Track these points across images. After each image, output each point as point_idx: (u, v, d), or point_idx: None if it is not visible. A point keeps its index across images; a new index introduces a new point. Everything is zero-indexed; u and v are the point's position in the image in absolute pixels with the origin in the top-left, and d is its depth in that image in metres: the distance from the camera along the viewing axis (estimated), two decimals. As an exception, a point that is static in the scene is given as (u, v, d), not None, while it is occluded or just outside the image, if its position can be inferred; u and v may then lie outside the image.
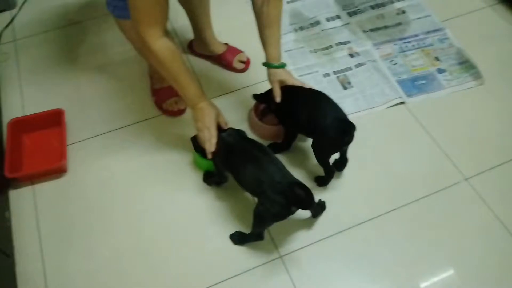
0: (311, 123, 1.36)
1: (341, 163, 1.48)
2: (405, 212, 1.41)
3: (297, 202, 1.20)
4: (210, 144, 1.31)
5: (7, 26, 1.98)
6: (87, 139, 1.62)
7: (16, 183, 1.52)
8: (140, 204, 1.47)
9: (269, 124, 1.57)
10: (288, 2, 2.00)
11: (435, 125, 1.60)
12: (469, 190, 1.45)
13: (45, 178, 1.53)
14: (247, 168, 1.25)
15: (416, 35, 1.86)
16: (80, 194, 1.50)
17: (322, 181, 1.46)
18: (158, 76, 1.68)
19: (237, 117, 1.63)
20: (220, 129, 1.34)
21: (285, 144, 1.54)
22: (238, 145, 1.31)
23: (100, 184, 1.52)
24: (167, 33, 1.24)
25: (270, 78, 1.44)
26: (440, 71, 1.74)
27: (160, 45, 1.20)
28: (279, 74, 1.42)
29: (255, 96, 1.53)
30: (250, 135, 1.59)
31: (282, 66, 1.43)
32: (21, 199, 1.49)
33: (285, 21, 1.92)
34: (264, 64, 1.43)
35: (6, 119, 1.62)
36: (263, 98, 1.53)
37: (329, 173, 1.44)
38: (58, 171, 1.54)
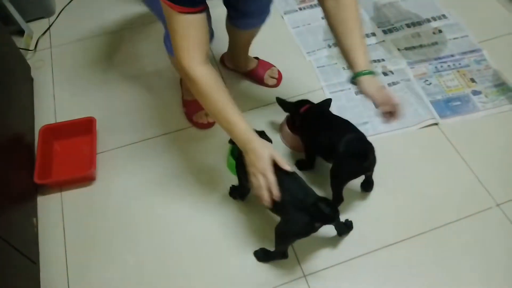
0: (329, 146, 1.33)
1: (367, 184, 1.45)
2: (434, 236, 1.37)
3: (321, 218, 1.17)
4: (267, 193, 1.10)
5: (44, 33, 2.02)
6: (117, 148, 1.64)
7: (45, 189, 1.54)
8: (165, 215, 1.47)
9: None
10: (322, 18, 1.99)
11: (468, 148, 1.56)
12: (501, 216, 1.40)
13: (74, 185, 1.54)
14: None
15: (452, 55, 1.81)
16: (107, 203, 1.51)
17: None
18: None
19: (268, 131, 1.60)
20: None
21: (308, 162, 1.52)
22: None
23: (127, 194, 1.53)
24: (208, 62, 1.12)
25: (365, 90, 1.17)
26: (476, 93, 1.69)
27: (201, 73, 1.09)
28: (376, 81, 1.17)
29: (280, 101, 1.51)
30: (281, 145, 1.60)
31: (372, 73, 1.18)
32: (49, 205, 1.51)
33: (319, 36, 1.91)
34: (354, 77, 1.18)
35: (38, 125, 1.65)
36: (288, 108, 1.52)
37: (337, 201, 1.38)
38: (87, 179, 1.56)
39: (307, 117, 1.45)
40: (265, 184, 1.10)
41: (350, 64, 1.19)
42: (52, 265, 1.38)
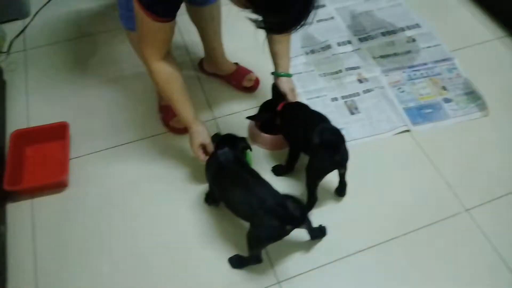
0: (306, 139, 1.34)
1: (341, 188, 1.46)
2: (405, 241, 1.39)
3: (291, 220, 1.18)
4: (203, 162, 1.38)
5: (18, 35, 1.99)
6: (91, 153, 1.62)
7: (15, 196, 1.50)
8: (140, 221, 1.45)
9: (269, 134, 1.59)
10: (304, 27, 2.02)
11: (438, 155, 1.59)
12: (469, 221, 1.44)
13: (46, 192, 1.51)
14: (235, 191, 1.24)
15: (425, 64, 1.85)
16: (80, 209, 1.49)
17: None
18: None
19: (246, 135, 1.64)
20: (216, 146, 1.36)
21: (288, 166, 1.53)
22: (229, 165, 1.29)
23: (100, 200, 1.50)
24: (169, 56, 1.29)
25: (282, 86, 1.48)
26: (447, 100, 1.73)
27: (158, 66, 1.26)
28: (288, 82, 1.49)
29: (252, 117, 1.54)
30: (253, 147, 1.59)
31: (290, 75, 1.50)
32: (18, 213, 1.48)
33: (297, 44, 1.92)
34: (274, 73, 1.49)
35: (10, 130, 1.62)
36: (263, 116, 1.56)
37: (311, 202, 1.41)
38: (59, 186, 1.53)
39: (285, 114, 1.47)
40: (197, 159, 1.39)
41: (275, 65, 1.48)
42: (20, 275, 1.35)
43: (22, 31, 2.01)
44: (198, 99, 1.76)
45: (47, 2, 2.10)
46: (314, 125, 1.36)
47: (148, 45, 1.23)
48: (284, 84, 1.48)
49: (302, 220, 1.21)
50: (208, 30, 1.66)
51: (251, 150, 1.42)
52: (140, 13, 1.15)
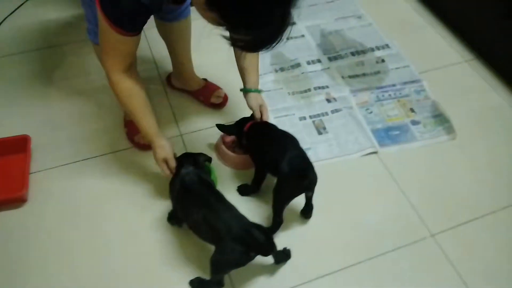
0: (273, 161, 1.34)
1: (307, 210, 1.45)
2: (370, 265, 1.39)
3: (256, 248, 1.17)
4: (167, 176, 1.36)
5: (-18, 43, 1.94)
6: (52, 168, 1.57)
7: (-28, 211, 1.45)
8: (101, 238, 1.41)
9: (238, 153, 1.57)
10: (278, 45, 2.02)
11: (405, 177, 1.60)
12: (435, 246, 1.44)
13: (4, 207, 1.46)
14: (199, 214, 1.22)
15: (393, 85, 1.87)
16: (39, 226, 1.44)
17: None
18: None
19: (212, 153, 1.61)
20: (180, 164, 1.33)
21: (254, 186, 1.51)
22: (193, 187, 1.27)
23: (61, 216, 1.46)
24: (132, 69, 1.27)
25: (250, 103, 1.47)
26: (414, 122, 1.75)
27: (120, 78, 1.24)
28: (260, 98, 1.48)
29: (220, 127, 1.52)
30: (218, 163, 1.59)
31: (260, 91, 1.49)
32: (-26, 228, 1.42)
33: (266, 61, 1.92)
34: (243, 90, 1.48)
35: (-31, 141, 1.57)
36: (231, 130, 1.53)
37: (276, 224, 1.40)
38: (17, 201, 1.48)
39: (252, 135, 1.46)
40: (163, 173, 1.37)
41: (243, 81, 1.47)
42: (-29, 294, 1.30)
43: (-13, 39, 1.96)
44: (165, 115, 1.74)
45: (15, 10, 2.06)
46: (282, 147, 1.36)
47: (110, 57, 1.21)
48: (252, 100, 1.47)
49: (268, 250, 1.21)
50: (177, 45, 1.65)
51: (211, 161, 1.41)
52: (104, 24, 1.12)
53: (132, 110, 1.30)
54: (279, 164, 1.31)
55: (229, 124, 1.55)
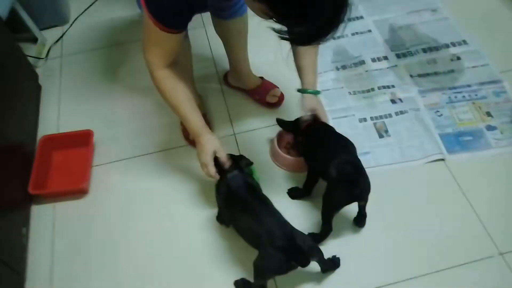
0: (323, 165, 1.27)
1: (360, 219, 1.37)
2: (428, 281, 1.28)
3: (298, 258, 1.13)
4: (212, 178, 1.31)
5: (56, 41, 2.06)
6: (113, 162, 1.64)
7: (39, 199, 1.55)
8: (153, 234, 1.45)
9: (293, 155, 1.52)
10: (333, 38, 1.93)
11: (475, 189, 1.44)
12: (503, 266, 1.29)
13: (67, 197, 1.55)
14: (243, 218, 1.20)
15: (468, 86, 1.70)
16: (97, 217, 1.51)
17: (316, 238, 1.35)
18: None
19: (264, 154, 1.59)
20: (227, 167, 1.29)
21: (305, 189, 1.46)
22: (238, 191, 1.24)
23: (117, 210, 1.52)
24: (175, 66, 1.25)
25: (301, 104, 1.39)
26: (490, 128, 1.57)
27: (163, 73, 1.23)
28: (312, 101, 1.39)
29: (280, 121, 1.48)
30: (271, 165, 1.56)
31: (317, 93, 1.40)
32: (40, 217, 1.52)
33: (327, 58, 1.84)
34: (299, 90, 1.40)
35: (41, 134, 1.69)
36: (289, 127, 1.48)
37: (324, 232, 1.33)
38: (79, 192, 1.56)
39: (308, 134, 1.40)
40: (207, 173, 1.29)
41: (301, 81, 1.39)
42: (37, 276, 1.39)
43: (61, 37, 2.08)
44: (220, 113, 1.73)
45: (85, 10, 2.16)
46: (335, 152, 1.28)
47: (153, 52, 1.20)
48: (305, 102, 1.39)
49: (308, 260, 1.15)
50: (234, 44, 1.62)
51: (252, 164, 1.36)
52: (147, 20, 1.11)
53: (176, 105, 1.27)
54: (328, 169, 1.24)
55: (289, 121, 1.49)
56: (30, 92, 1.80)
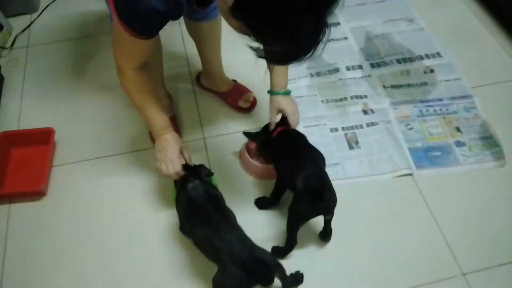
0: (291, 176, 1.24)
1: (325, 233, 1.35)
2: (390, 300, 1.27)
3: (258, 277, 1.09)
4: (178, 176, 1.26)
5: (23, 30, 1.96)
6: (74, 162, 1.57)
7: (-5, 198, 1.48)
8: (110, 239, 1.40)
9: (263, 162, 1.49)
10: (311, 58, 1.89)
11: (441, 206, 1.44)
12: (465, 286, 1.29)
13: (24, 198, 1.48)
14: (203, 232, 1.16)
15: (440, 100, 1.69)
16: (54, 221, 1.45)
17: (280, 252, 1.32)
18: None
19: (234, 160, 1.56)
20: (186, 176, 1.25)
21: (273, 199, 1.43)
22: (199, 203, 1.20)
23: (76, 213, 1.46)
24: (145, 67, 1.21)
25: (270, 106, 1.38)
26: (459, 144, 1.57)
27: (130, 75, 1.19)
28: (280, 101, 1.36)
29: (247, 135, 1.43)
30: (241, 172, 1.52)
31: (286, 93, 1.37)
32: (-6, 217, 1.45)
33: (302, 64, 1.80)
34: (269, 92, 1.38)
35: (1, 128, 1.61)
36: (256, 137, 1.44)
37: (289, 245, 1.31)
38: (37, 194, 1.49)
39: (278, 142, 1.36)
40: (173, 170, 1.24)
41: (271, 82, 1.36)
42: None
43: (28, 26, 1.98)
44: (190, 115, 1.68)
45: (56, -1, 2.07)
46: (302, 162, 1.26)
47: (122, 55, 1.16)
48: (276, 102, 1.36)
49: (269, 279, 1.12)
50: (206, 45, 1.57)
51: (213, 174, 1.32)
52: (117, 25, 1.05)
53: (143, 103, 1.24)
54: (295, 179, 1.21)
55: (257, 131, 1.46)
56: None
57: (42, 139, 1.57)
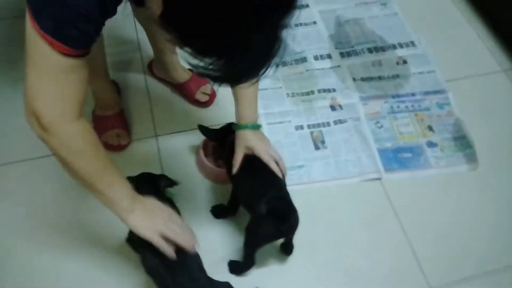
0: (251, 194, 1.14)
1: (287, 247, 1.24)
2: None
3: None
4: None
5: None
6: (5, 164, 1.38)
7: None
8: (28, 263, 1.22)
9: (221, 164, 1.34)
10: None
11: (409, 214, 1.35)
12: (432, 303, 1.23)
13: None
14: (153, 263, 0.99)
15: (412, 94, 1.58)
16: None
17: (237, 268, 1.22)
18: (103, 100, 1.43)
19: (190, 161, 1.41)
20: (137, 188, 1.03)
21: (230, 208, 1.30)
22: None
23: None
24: (83, 113, 0.86)
25: (236, 142, 1.15)
26: (431, 144, 1.48)
27: (73, 130, 0.83)
28: (249, 138, 1.13)
29: (203, 129, 1.29)
30: (197, 174, 1.39)
31: (255, 127, 1.15)
32: None
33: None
34: (234, 126, 1.16)
35: None
36: (214, 136, 1.30)
37: (246, 265, 1.20)
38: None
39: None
40: (166, 245, 0.94)
41: (236, 113, 1.15)
42: None
43: None
44: (141, 109, 1.51)
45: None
46: (265, 181, 1.14)
47: (56, 100, 0.80)
48: (242, 139, 1.13)
49: None
50: (157, 31, 1.39)
51: (175, 185, 1.17)
52: (36, 44, 0.74)
53: (96, 170, 0.88)
54: (257, 202, 1.09)
55: (214, 128, 1.31)
56: None
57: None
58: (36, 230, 1.26)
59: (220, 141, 1.29)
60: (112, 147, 1.41)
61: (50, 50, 0.74)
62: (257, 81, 0.96)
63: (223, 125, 1.28)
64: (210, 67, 0.67)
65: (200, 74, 0.69)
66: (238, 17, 0.60)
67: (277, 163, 1.15)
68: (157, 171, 1.34)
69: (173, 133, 1.47)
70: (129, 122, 1.47)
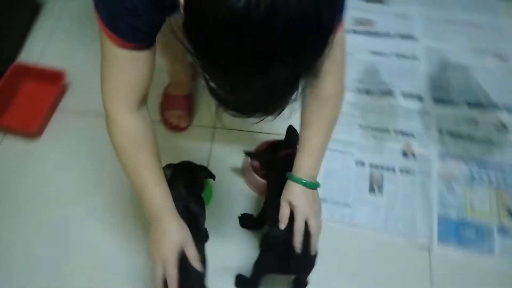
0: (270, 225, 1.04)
1: (298, 285, 1.14)
2: None
3: None
4: (160, 286, 0.87)
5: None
6: (80, 112, 1.48)
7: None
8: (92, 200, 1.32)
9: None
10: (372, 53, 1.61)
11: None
12: None
13: (17, 135, 1.44)
14: None
15: (501, 166, 1.36)
16: (38, 167, 1.39)
17: (242, 284, 1.15)
18: (175, 81, 1.45)
19: (239, 161, 1.38)
20: (172, 177, 1.05)
21: (258, 222, 1.24)
22: None
23: (62, 166, 1.39)
24: (144, 106, 0.88)
25: (283, 191, 0.97)
26: (503, 231, 1.26)
27: (127, 123, 0.85)
28: (296, 197, 0.94)
29: (248, 154, 1.24)
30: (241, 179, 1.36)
31: (310, 185, 0.96)
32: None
33: (352, 75, 1.53)
34: (287, 174, 0.99)
35: (23, 58, 1.58)
36: (262, 157, 1.26)
37: (252, 284, 1.11)
38: (30, 134, 1.44)
39: (286, 166, 1.09)
40: (161, 276, 0.86)
41: (295, 161, 0.98)
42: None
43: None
44: (209, 97, 1.46)
45: None
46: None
47: (113, 89, 0.83)
48: (289, 193, 0.95)
49: None
50: None
51: (214, 179, 1.16)
52: (103, 36, 0.76)
53: (137, 167, 0.88)
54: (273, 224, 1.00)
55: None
56: (24, 10, 1.64)
57: (53, 80, 1.49)
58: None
59: (271, 158, 1.21)
60: (171, 126, 1.43)
61: (108, 42, 0.75)
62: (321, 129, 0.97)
63: (277, 140, 1.23)
64: (218, 88, 0.61)
65: (209, 91, 0.63)
66: (241, 59, 0.53)
67: (310, 236, 0.95)
68: (203, 161, 1.35)
69: (232, 129, 1.44)
70: (194, 107, 1.47)
